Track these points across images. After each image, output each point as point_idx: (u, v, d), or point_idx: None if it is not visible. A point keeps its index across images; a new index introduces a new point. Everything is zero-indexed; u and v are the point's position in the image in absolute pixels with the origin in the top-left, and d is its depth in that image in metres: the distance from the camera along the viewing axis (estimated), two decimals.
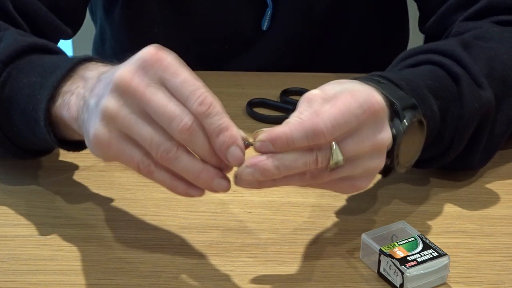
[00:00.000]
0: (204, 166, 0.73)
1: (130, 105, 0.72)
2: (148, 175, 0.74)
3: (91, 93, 0.77)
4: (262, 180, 0.73)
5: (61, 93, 0.82)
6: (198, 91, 0.71)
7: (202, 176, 0.73)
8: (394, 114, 0.81)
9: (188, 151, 0.73)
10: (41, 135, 0.84)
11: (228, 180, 0.74)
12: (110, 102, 0.73)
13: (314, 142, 0.73)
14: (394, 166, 0.81)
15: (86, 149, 0.88)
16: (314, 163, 0.73)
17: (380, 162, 0.78)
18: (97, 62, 0.84)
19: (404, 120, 0.80)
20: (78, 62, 0.83)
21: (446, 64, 0.90)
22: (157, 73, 0.72)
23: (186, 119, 0.71)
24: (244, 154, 0.72)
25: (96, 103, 0.75)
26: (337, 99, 0.74)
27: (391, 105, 0.80)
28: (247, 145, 0.73)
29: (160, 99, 0.72)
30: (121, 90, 0.72)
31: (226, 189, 0.74)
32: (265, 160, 0.72)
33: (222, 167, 0.73)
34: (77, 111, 0.79)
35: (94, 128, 0.74)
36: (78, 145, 0.87)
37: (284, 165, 0.73)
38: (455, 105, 0.88)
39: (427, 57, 0.92)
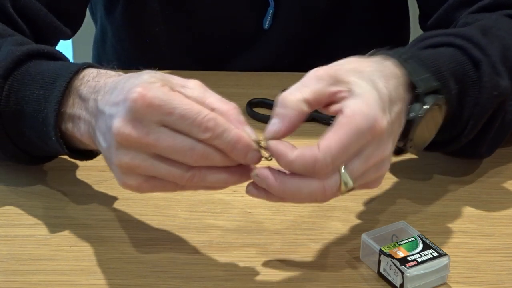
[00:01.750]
0: (227, 172, 0.75)
1: (139, 154, 0.74)
2: (185, 190, 0.77)
3: (96, 123, 0.78)
4: (270, 195, 0.75)
5: (69, 116, 0.83)
6: (197, 120, 0.72)
7: (230, 180, 0.75)
8: (415, 97, 0.80)
9: (209, 167, 0.74)
10: (53, 146, 0.85)
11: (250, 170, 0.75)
12: (121, 158, 0.74)
13: (315, 174, 0.73)
14: (407, 149, 0.81)
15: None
16: (321, 193, 0.73)
17: (386, 168, 0.77)
18: (89, 70, 0.83)
19: (424, 106, 0.80)
20: (75, 72, 0.83)
21: (468, 48, 0.89)
22: (153, 119, 0.73)
23: (197, 150, 0.73)
24: (259, 152, 0.74)
25: (107, 150, 0.76)
26: (338, 126, 0.73)
27: (413, 87, 0.80)
28: (258, 144, 0.74)
29: (165, 141, 0.73)
30: (125, 145, 0.74)
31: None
32: (273, 181, 0.73)
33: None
34: (90, 138, 0.81)
35: (120, 181, 0.76)
36: (91, 153, 0.88)
37: (290, 192, 0.74)
38: (473, 90, 0.88)
39: (449, 39, 0.91)
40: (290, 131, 0.75)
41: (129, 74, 0.78)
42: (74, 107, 0.82)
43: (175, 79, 0.76)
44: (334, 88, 0.75)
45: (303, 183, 0.73)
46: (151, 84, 0.73)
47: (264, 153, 0.74)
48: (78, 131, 0.82)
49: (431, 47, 0.91)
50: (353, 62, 0.79)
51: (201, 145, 0.73)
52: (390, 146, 0.76)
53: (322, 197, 0.74)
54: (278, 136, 0.74)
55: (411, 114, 0.80)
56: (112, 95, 0.76)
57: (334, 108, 0.75)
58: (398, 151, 0.83)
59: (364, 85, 0.75)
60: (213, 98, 0.75)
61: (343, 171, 0.73)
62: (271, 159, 0.74)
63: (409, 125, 0.80)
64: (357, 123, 0.73)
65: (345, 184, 0.74)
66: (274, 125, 0.75)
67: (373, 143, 0.74)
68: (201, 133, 0.72)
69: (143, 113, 0.72)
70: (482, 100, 0.88)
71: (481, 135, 0.91)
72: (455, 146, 0.91)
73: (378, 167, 0.76)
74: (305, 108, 0.75)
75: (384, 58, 0.81)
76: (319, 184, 0.73)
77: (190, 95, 0.74)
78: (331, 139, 0.72)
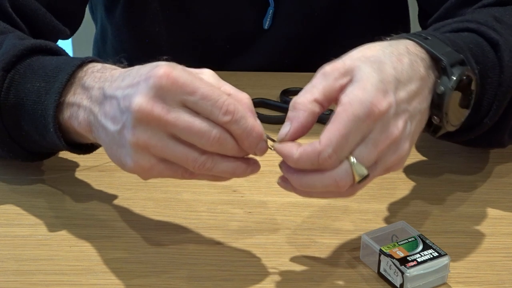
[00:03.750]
0: (236, 162, 0.76)
1: (157, 132, 0.74)
2: (192, 177, 0.77)
3: (100, 109, 0.79)
4: (298, 190, 0.76)
5: (67, 104, 0.83)
6: (219, 101, 0.74)
7: (237, 171, 0.76)
8: (442, 71, 0.80)
9: (220, 155, 0.75)
10: (50, 140, 0.85)
11: (256, 164, 0.78)
12: (138, 135, 0.75)
13: (322, 167, 0.73)
14: (443, 125, 0.82)
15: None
16: (334, 185, 0.74)
17: (404, 149, 0.77)
18: (93, 64, 0.84)
19: (452, 77, 0.80)
20: (78, 65, 0.84)
21: (485, 31, 0.89)
22: (176, 97, 0.74)
23: (214, 133, 0.74)
24: (267, 143, 0.76)
25: (118, 132, 0.76)
26: (336, 116, 0.73)
27: (437, 62, 0.80)
28: (267, 137, 0.76)
29: (184, 121, 0.74)
30: (145, 122, 0.74)
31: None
32: (292, 175, 0.75)
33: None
34: (88, 126, 0.81)
35: (132, 161, 0.76)
36: (87, 148, 0.88)
37: (307, 186, 0.75)
38: (494, 71, 0.87)
39: (463, 25, 0.91)
40: (300, 132, 0.75)
41: (138, 66, 0.78)
42: (74, 96, 0.83)
43: (189, 68, 0.77)
44: (342, 81, 0.76)
45: (315, 177, 0.74)
46: (175, 65, 0.75)
47: (270, 145, 0.76)
48: (76, 119, 0.82)
49: (447, 33, 0.90)
50: (365, 48, 0.79)
51: (218, 129, 0.74)
52: (399, 126, 0.75)
53: (336, 188, 0.74)
54: (287, 138, 0.75)
55: (441, 88, 0.80)
56: (125, 80, 0.77)
57: (338, 100, 0.75)
58: (435, 130, 0.83)
59: (366, 69, 0.76)
60: (228, 86, 0.78)
61: (352, 160, 0.73)
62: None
63: (441, 99, 0.80)
64: (353, 110, 0.73)
65: (358, 172, 0.74)
66: (284, 128, 0.76)
67: (376, 127, 0.74)
68: (221, 115, 0.73)
69: (167, 90, 0.73)
70: (506, 80, 0.87)
71: (502, 121, 0.90)
72: (480, 130, 0.90)
73: (394, 149, 0.76)
74: (315, 108, 0.75)
75: (399, 39, 0.81)
76: (329, 176, 0.74)
77: (206, 80, 0.76)
78: (331, 130, 0.73)
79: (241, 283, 0.79)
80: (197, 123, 0.74)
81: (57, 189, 0.92)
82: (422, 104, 0.79)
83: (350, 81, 0.75)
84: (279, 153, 0.75)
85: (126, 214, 0.88)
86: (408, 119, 0.77)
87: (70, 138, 0.85)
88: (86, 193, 0.91)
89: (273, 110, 1.09)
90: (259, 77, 1.18)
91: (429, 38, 0.82)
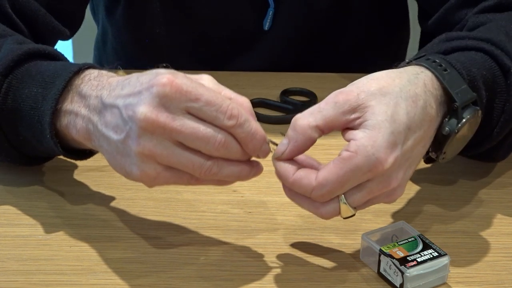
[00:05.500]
0: (241, 165, 0.77)
1: (162, 141, 0.75)
2: (198, 183, 0.78)
3: (99, 118, 0.79)
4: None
5: (64, 112, 0.83)
6: (223, 106, 0.74)
7: (242, 174, 0.77)
8: (452, 111, 0.80)
9: (225, 159, 0.76)
10: (47, 145, 0.85)
11: (259, 166, 0.79)
12: (144, 145, 0.75)
13: (313, 199, 0.76)
14: (438, 160, 0.82)
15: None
16: (319, 215, 0.77)
17: (398, 194, 0.78)
18: (90, 70, 0.84)
19: (461, 120, 0.80)
20: (75, 72, 0.84)
21: (498, 55, 0.88)
22: (180, 105, 0.74)
23: (219, 137, 0.75)
24: (269, 145, 0.77)
25: (122, 141, 0.76)
26: (339, 159, 0.74)
27: (451, 101, 0.80)
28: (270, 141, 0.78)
29: (189, 128, 0.74)
30: (150, 131, 0.74)
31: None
32: (284, 187, 0.77)
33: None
34: (87, 134, 0.81)
35: (138, 170, 0.76)
36: (85, 154, 0.88)
37: (295, 201, 0.78)
38: (500, 98, 0.87)
39: (478, 44, 0.90)
40: (296, 154, 0.76)
41: (136, 73, 0.78)
42: (71, 104, 0.83)
43: (189, 74, 0.77)
44: (350, 116, 0.76)
45: (303, 200, 0.77)
46: (177, 73, 0.75)
47: (272, 148, 0.77)
48: (74, 127, 0.82)
49: (459, 50, 0.89)
50: (383, 79, 0.78)
51: (223, 133, 0.75)
52: (399, 177, 0.76)
53: (320, 217, 0.77)
54: (283, 158, 0.76)
55: (447, 129, 0.80)
56: (124, 89, 0.77)
57: (346, 136, 0.76)
58: (429, 159, 0.84)
59: (380, 114, 0.75)
60: (227, 91, 0.78)
61: (343, 199, 0.75)
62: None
63: (445, 139, 0.80)
64: (357, 162, 0.74)
65: (345, 211, 0.76)
66: (282, 145, 0.76)
67: (376, 179, 0.75)
68: (226, 119, 0.74)
69: (171, 98, 0.74)
70: (510, 109, 0.87)
71: (500, 141, 0.90)
72: (477, 150, 0.90)
73: (387, 194, 0.77)
74: (314, 134, 0.76)
75: (419, 70, 0.81)
76: (317, 208, 0.76)
77: (207, 86, 0.77)
78: (330, 171, 0.74)
79: (241, 283, 0.79)
80: (202, 129, 0.74)
81: (57, 189, 0.92)
82: (425, 147, 0.80)
83: (358, 119, 0.75)
84: (276, 170, 0.77)
85: (126, 214, 0.88)
86: (408, 167, 0.78)
87: (67, 144, 0.85)
88: (86, 193, 0.91)
89: (273, 110, 1.09)
90: (259, 77, 1.18)
91: (448, 70, 0.82)
